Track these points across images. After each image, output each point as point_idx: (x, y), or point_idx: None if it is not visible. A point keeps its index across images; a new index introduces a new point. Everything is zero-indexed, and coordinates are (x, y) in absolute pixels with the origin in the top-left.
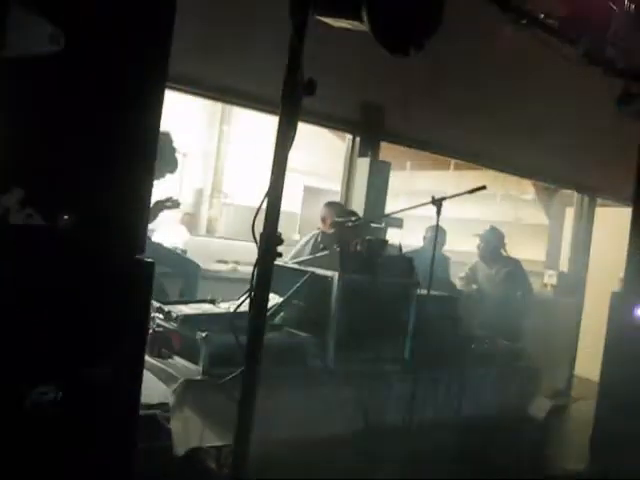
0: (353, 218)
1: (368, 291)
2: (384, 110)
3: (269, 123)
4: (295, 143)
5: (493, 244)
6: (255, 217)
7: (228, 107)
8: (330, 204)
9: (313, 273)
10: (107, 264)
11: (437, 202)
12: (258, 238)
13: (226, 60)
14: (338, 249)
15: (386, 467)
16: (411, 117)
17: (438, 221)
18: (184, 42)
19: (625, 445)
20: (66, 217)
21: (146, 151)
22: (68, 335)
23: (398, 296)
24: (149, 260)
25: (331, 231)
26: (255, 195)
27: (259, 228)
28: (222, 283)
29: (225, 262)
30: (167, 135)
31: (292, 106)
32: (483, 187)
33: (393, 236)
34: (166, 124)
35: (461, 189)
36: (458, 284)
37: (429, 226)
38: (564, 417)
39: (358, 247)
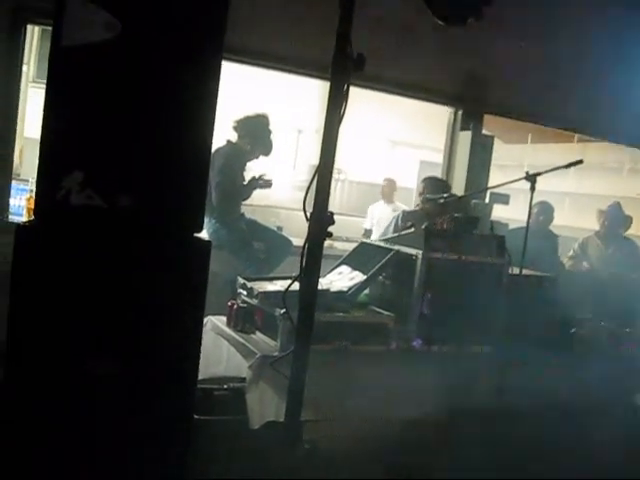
0: (445, 194)
1: (454, 270)
2: (487, 81)
3: (380, 98)
4: (409, 118)
5: (617, 222)
6: (306, 193)
7: None
8: (425, 179)
9: (398, 251)
10: (165, 243)
11: (531, 178)
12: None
13: (272, 26)
14: (424, 227)
15: (469, 452)
16: (517, 88)
17: (532, 198)
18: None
19: None
20: (125, 198)
21: (203, 131)
22: (127, 312)
23: (487, 276)
24: (206, 239)
25: (417, 208)
26: (369, 171)
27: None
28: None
29: (333, 238)
30: (263, 117)
31: (342, 80)
32: (580, 162)
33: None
34: (281, 103)
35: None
36: (567, 263)
37: (536, 202)
38: None
39: (445, 225)
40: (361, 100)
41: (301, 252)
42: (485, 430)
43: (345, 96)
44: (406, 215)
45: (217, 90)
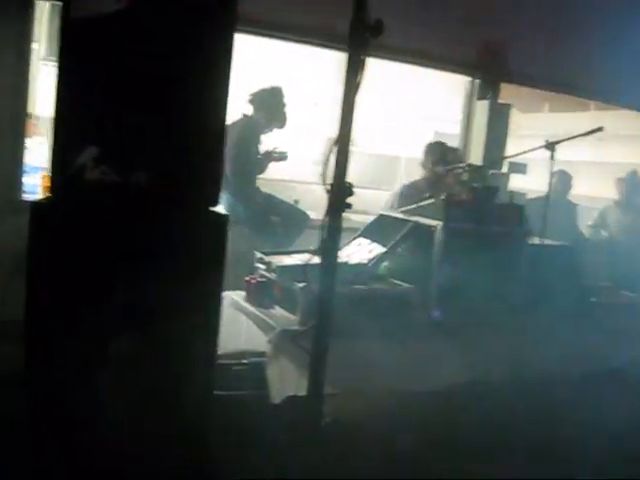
0: (462, 164)
1: (474, 241)
2: (505, 50)
3: (396, 70)
4: (427, 88)
5: (635, 190)
6: (324, 165)
7: None
8: (429, 144)
9: (417, 223)
10: (180, 217)
11: (550, 146)
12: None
13: None
14: (443, 197)
15: (495, 422)
16: (534, 56)
17: (552, 166)
18: None
19: None
20: (139, 173)
21: (217, 103)
22: (144, 288)
23: (507, 246)
24: (222, 212)
25: (417, 178)
26: (385, 143)
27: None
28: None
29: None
30: (278, 90)
31: (359, 48)
32: (599, 129)
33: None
34: (297, 76)
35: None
36: (587, 232)
37: (554, 171)
38: None
39: (464, 195)
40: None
41: (321, 224)
42: (507, 401)
43: (362, 65)
44: (407, 189)
45: (230, 61)
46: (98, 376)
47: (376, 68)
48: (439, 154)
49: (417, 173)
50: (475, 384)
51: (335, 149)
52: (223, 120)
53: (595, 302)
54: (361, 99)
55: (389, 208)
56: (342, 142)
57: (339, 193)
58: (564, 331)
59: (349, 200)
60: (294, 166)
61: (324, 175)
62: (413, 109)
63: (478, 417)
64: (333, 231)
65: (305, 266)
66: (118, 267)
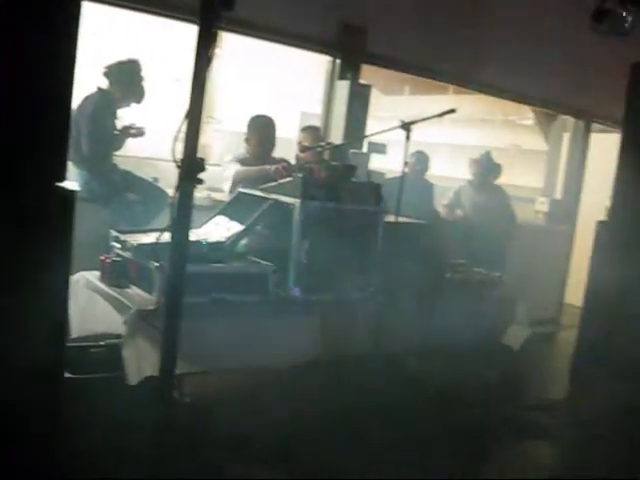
0: (322, 143)
1: (332, 219)
2: (366, 31)
3: (260, 46)
4: (292, 69)
5: (488, 171)
6: (175, 141)
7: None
8: (303, 128)
9: (275, 200)
10: (22, 193)
11: (406, 126)
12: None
13: None
14: (301, 175)
15: (354, 396)
16: (395, 38)
17: (408, 146)
18: None
19: (606, 371)
20: None
21: (61, 75)
22: None
23: (364, 223)
24: (69, 188)
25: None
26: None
27: None
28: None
29: (215, 190)
30: (135, 63)
31: (209, 21)
32: (452, 110)
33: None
34: (157, 50)
35: (457, 113)
36: (442, 211)
37: (412, 152)
38: (551, 345)
39: (322, 173)
40: (240, 48)
41: (170, 201)
42: (363, 374)
43: (213, 39)
44: (240, 174)
45: (77, 30)
46: None
47: (240, 45)
48: (314, 137)
49: (283, 152)
50: (333, 359)
51: (185, 124)
52: (68, 93)
53: (449, 278)
54: (224, 77)
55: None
56: (192, 117)
57: (189, 169)
58: (417, 306)
59: (210, 179)
60: (154, 143)
61: (173, 150)
62: (279, 88)
63: (334, 392)
64: (183, 208)
65: (155, 244)
66: None
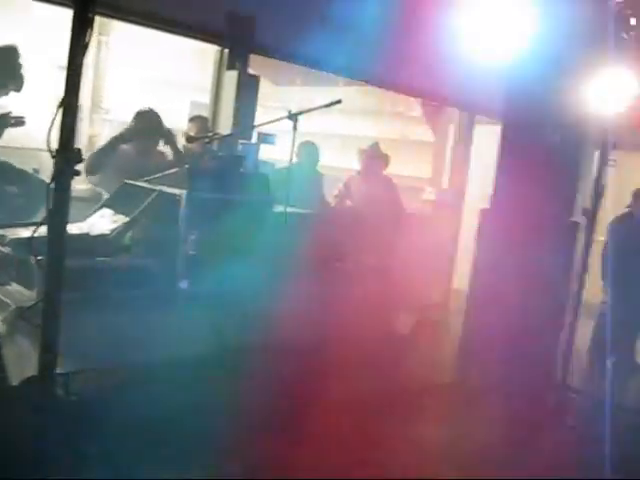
0: (210, 133)
1: (219, 210)
2: (254, 21)
3: (151, 35)
4: (183, 58)
5: (375, 161)
6: (50, 130)
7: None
8: (192, 118)
9: (161, 191)
10: None
11: (293, 117)
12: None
13: None
14: (187, 166)
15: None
16: (281, 29)
17: (294, 136)
18: None
19: (488, 355)
20: None
21: None
22: None
23: (252, 214)
24: None
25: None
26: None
27: None
28: (79, 203)
29: None
30: (12, 49)
31: (85, 5)
32: (338, 101)
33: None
34: (39, 37)
35: (346, 105)
36: (333, 201)
37: (301, 142)
38: (441, 330)
39: (209, 164)
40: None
41: (47, 192)
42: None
43: (90, 24)
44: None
45: None
46: None
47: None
48: (202, 127)
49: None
50: (221, 351)
51: (62, 111)
52: None
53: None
54: (113, 66)
55: None
56: (68, 105)
57: (65, 159)
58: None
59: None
60: (35, 133)
61: (48, 140)
62: (169, 77)
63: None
64: (60, 199)
65: (33, 238)
66: None
